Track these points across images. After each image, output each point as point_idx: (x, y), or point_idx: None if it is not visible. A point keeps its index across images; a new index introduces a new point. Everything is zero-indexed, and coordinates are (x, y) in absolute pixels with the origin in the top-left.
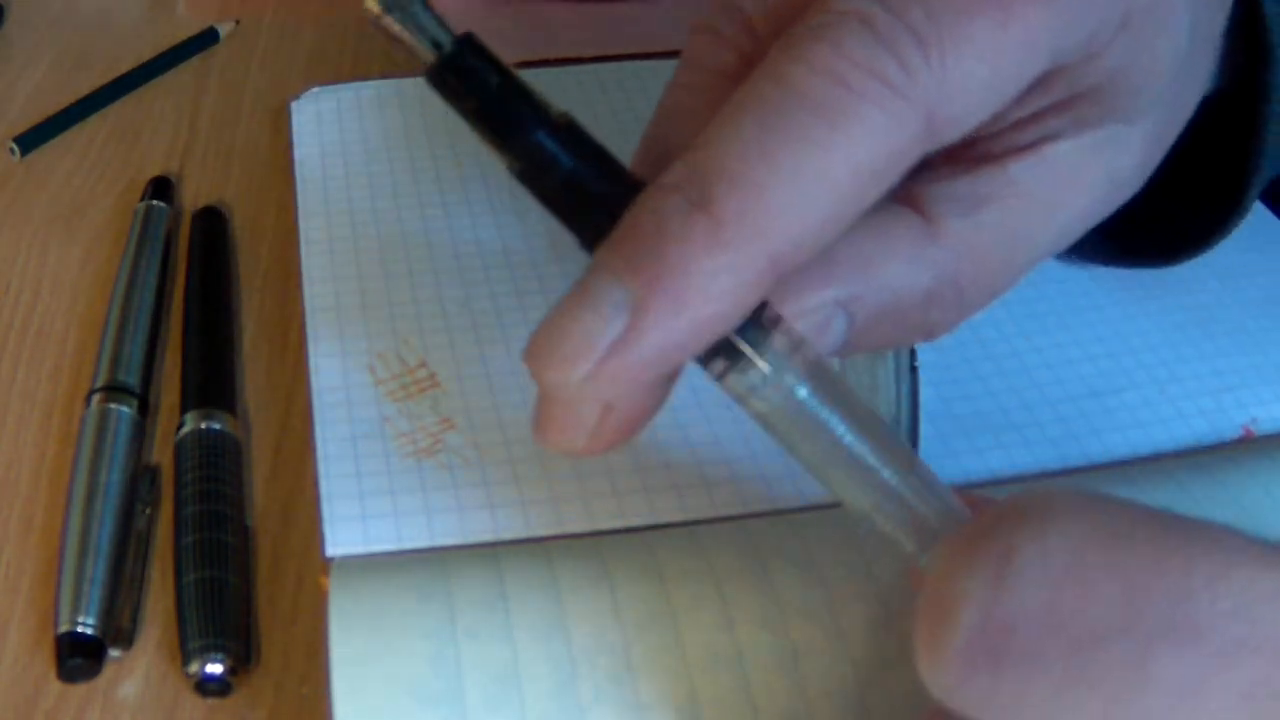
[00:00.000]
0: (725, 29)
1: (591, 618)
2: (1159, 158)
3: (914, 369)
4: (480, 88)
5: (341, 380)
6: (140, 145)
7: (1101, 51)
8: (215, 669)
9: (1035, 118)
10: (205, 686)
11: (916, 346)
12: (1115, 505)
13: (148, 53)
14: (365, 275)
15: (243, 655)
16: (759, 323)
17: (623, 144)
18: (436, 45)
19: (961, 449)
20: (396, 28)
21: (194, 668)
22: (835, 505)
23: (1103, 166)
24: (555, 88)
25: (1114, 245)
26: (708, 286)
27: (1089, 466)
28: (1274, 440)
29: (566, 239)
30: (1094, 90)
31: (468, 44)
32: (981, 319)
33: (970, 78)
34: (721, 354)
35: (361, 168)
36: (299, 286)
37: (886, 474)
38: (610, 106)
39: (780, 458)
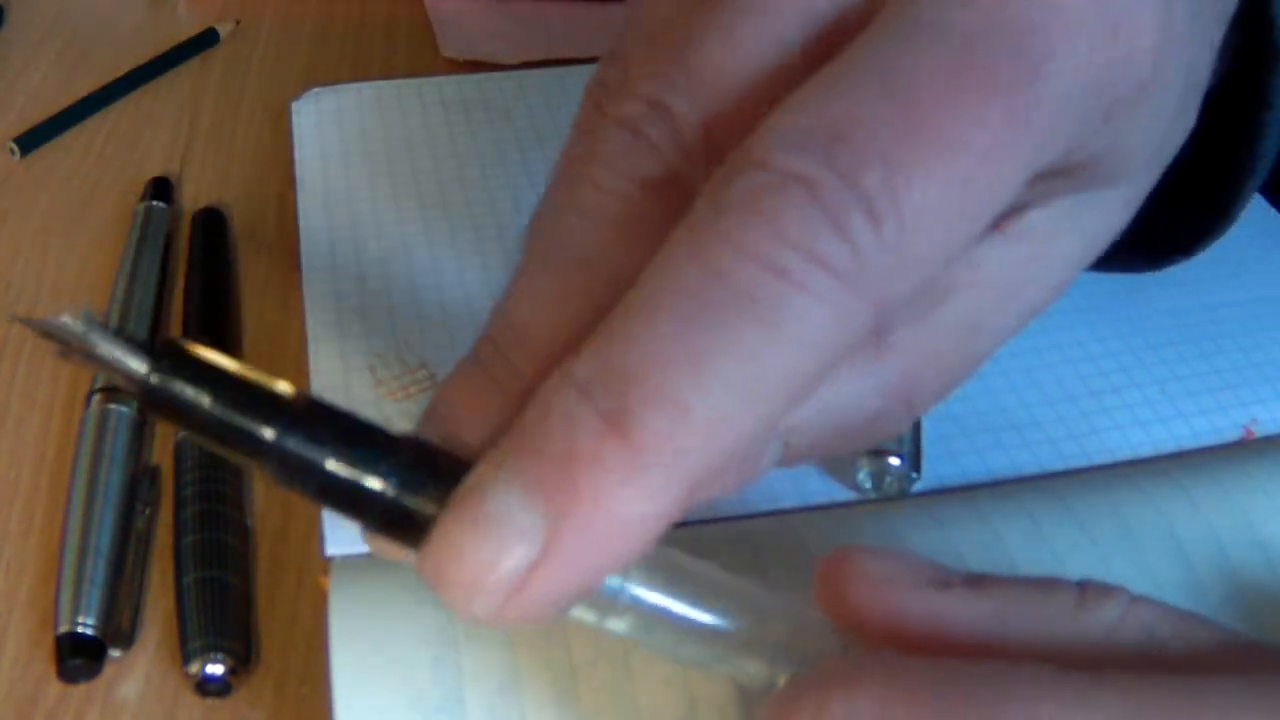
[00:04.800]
0: (651, 130)
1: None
2: (1140, 203)
3: None
4: (197, 403)
5: (341, 380)
6: (140, 145)
7: (1081, 147)
8: (215, 669)
9: None
10: (205, 686)
11: None
12: (928, 662)
13: (148, 53)
14: (365, 275)
15: (243, 655)
16: None
17: None
18: (137, 369)
19: (961, 449)
20: (88, 360)
21: (194, 668)
22: (834, 506)
23: (1079, 235)
24: (555, 88)
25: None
26: (624, 520)
27: (1089, 466)
28: (1274, 440)
29: None
30: (1072, 169)
31: (169, 355)
32: None
33: (930, 244)
34: None
35: (361, 168)
36: (299, 286)
37: (759, 634)
38: None
39: None
